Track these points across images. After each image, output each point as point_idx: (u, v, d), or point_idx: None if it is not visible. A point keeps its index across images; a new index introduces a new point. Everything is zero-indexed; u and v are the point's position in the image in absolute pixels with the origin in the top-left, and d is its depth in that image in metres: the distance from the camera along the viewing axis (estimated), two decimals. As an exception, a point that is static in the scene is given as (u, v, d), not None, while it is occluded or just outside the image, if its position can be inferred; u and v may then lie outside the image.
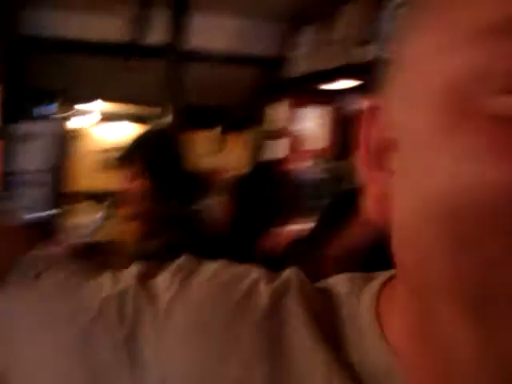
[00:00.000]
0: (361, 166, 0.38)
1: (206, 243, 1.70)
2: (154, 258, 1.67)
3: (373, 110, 0.39)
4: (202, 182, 4.48)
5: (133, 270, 0.51)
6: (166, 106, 3.80)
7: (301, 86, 4.32)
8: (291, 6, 4.04)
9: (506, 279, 0.27)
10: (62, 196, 4.13)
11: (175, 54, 3.81)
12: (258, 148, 5.24)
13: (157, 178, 1.73)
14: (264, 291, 0.44)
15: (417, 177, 0.31)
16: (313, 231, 1.87)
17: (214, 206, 4.15)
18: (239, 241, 3.90)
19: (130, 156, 1.80)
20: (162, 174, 1.73)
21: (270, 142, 4.72)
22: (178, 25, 3.78)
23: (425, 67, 0.32)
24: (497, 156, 0.27)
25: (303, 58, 4.29)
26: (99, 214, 1.87)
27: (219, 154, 4.53)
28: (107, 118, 6.13)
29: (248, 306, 0.44)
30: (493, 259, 0.27)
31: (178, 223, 1.69)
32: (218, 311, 0.44)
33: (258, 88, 4.83)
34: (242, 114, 5.22)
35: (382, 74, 0.39)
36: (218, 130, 6.20)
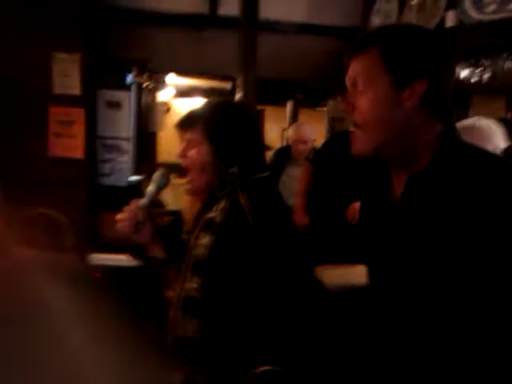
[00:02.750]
0: None
1: (276, 208, 1.63)
2: (216, 228, 1.63)
3: None
4: (281, 154, 4.49)
5: None
6: (238, 79, 3.77)
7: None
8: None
9: None
10: (144, 164, 4.26)
11: (249, 25, 3.75)
12: (335, 120, 5.13)
13: (217, 146, 1.65)
14: None
15: None
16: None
17: (293, 176, 4.15)
18: (318, 211, 3.92)
19: (190, 120, 1.73)
20: (222, 142, 1.65)
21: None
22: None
23: None
24: None
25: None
26: (152, 184, 1.82)
27: (294, 127, 4.48)
28: (183, 92, 6.19)
29: None
30: None
31: (241, 190, 1.62)
32: None
33: (335, 59, 4.71)
34: (317, 87, 5.12)
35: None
36: (292, 103, 6.15)
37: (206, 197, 1.73)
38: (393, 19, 3.92)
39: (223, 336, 1.59)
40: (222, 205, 1.65)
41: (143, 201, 1.76)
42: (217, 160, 1.65)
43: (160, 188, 1.78)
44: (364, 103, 1.17)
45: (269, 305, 1.54)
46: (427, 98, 1.13)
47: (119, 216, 1.74)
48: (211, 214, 1.67)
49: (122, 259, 2.01)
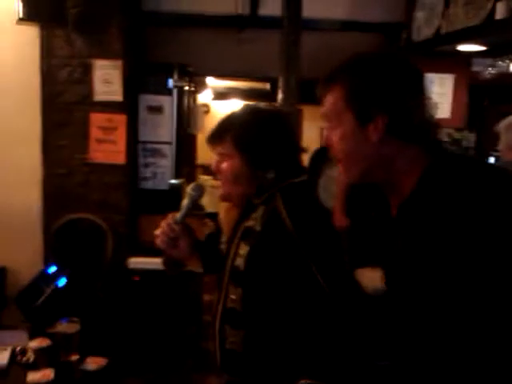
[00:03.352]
0: None
1: (316, 212, 1.60)
2: (254, 237, 1.61)
3: None
4: (319, 155, 4.39)
5: None
6: (279, 79, 3.70)
7: (424, 52, 4.04)
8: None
9: None
10: (184, 167, 4.26)
11: (292, 24, 3.67)
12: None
13: (249, 155, 1.62)
14: None
15: None
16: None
17: (333, 176, 4.06)
18: (358, 212, 3.81)
19: (218, 134, 1.70)
20: (254, 150, 1.62)
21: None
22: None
23: None
24: None
25: (425, 22, 4.00)
26: (186, 198, 1.82)
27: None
28: (222, 94, 6.18)
29: None
30: None
31: (278, 196, 1.59)
32: None
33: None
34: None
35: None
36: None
37: (243, 205, 1.71)
38: (438, 13, 3.79)
39: (264, 347, 1.56)
40: (259, 213, 1.63)
41: (178, 216, 1.76)
42: (251, 168, 1.63)
43: (195, 201, 1.78)
44: (336, 140, 1.22)
45: (308, 315, 1.50)
46: (392, 129, 1.14)
47: (156, 231, 1.76)
48: (249, 223, 1.65)
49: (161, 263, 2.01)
